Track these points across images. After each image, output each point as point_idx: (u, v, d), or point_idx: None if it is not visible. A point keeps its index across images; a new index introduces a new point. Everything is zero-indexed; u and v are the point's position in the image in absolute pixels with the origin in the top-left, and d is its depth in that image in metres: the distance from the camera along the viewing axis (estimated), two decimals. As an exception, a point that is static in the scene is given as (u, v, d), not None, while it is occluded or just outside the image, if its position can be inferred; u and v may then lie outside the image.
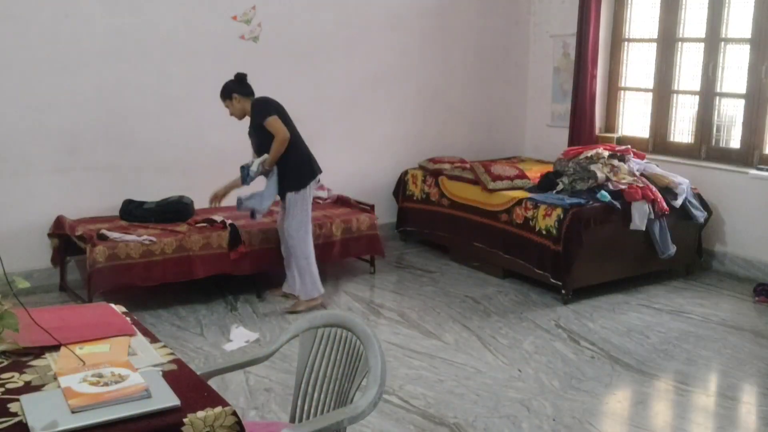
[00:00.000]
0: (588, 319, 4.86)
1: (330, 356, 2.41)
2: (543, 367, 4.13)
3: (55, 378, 1.94)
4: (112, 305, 2.54)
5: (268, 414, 3.53)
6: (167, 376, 1.97)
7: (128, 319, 2.41)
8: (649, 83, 6.51)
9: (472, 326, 4.71)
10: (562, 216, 5.04)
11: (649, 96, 6.52)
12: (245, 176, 4.67)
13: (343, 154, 6.39)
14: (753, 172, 5.65)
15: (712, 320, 4.87)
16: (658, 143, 6.44)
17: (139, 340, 2.25)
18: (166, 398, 1.82)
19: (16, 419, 1.73)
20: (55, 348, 2.13)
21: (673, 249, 5.40)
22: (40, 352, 2.11)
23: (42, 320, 2.17)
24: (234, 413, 1.83)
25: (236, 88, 4.67)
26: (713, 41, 5.96)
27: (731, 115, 5.98)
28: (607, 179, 5.33)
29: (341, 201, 5.99)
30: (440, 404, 3.66)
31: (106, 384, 1.86)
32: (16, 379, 1.94)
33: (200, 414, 1.79)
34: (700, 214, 5.58)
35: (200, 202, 5.22)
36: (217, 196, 4.86)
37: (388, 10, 6.45)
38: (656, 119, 6.46)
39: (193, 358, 4.13)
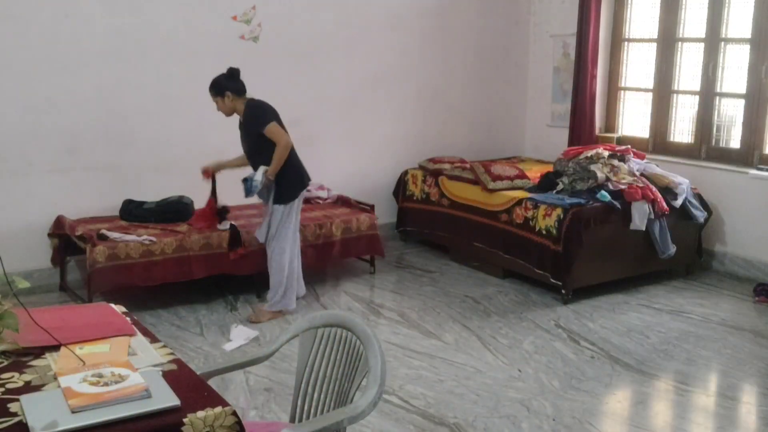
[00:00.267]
0: (588, 319, 4.86)
1: (330, 356, 2.41)
2: (543, 367, 4.13)
3: (55, 378, 1.94)
4: (112, 305, 2.54)
5: (268, 414, 3.53)
6: (167, 376, 1.97)
7: (128, 319, 2.41)
8: (649, 83, 6.51)
9: (472, 326, 4.71)
10: (562, 216, 5.04)
11: (649, 96, 6.52)
12: (249, 188, 4.52)
13: (343, 154, 6.40)
14: (753, 172, 5.65)
15: (712, 320, 4.87)
16: (658, 143, 6.44)
17: (139, 340, 2.25)
18: (166, 398, 1.82)
19: (16, 419, 1.73)
20: (55, 348, 2.13)
21: (673, 249, 5.40)
22: (40, 352, 2.11)
23: (42, 320, 2.17)
24: (234, 413, 1.83)
25: (230, 86, 4.53)
26: (713, 41, 5.96)
27: (731, 115, 5.98)
28: (607, 179, 5.33)
29: (341, 201, 5.99)
30: (440, 404, 3.66)
31: (106, 384, 1.86)
32: (16, 379, 1.94)
33: (200, 414, 1.79)
34: (700, 214, 5.58)
35: (200, 202, 5.22)
36: (208, 171, 4.85)
37: (388, 10, 6.45)
38: (656, 119, 6.46)
39: (193, 358, 4.13)
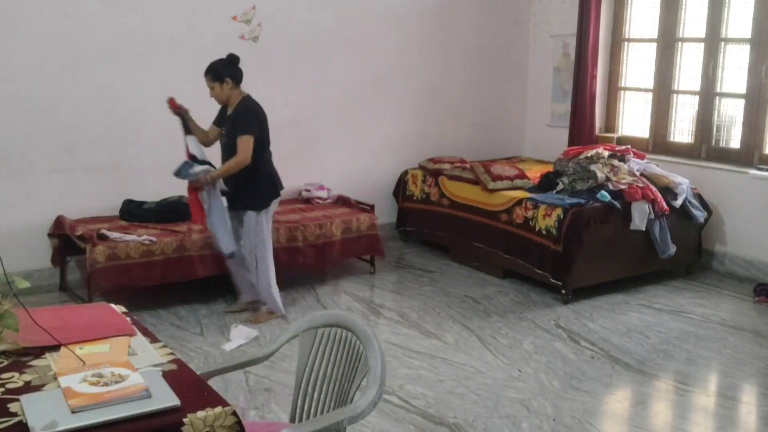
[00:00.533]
0: (588, 319, 4.85)
1: (330, 356, 2.41)
2: (543, 367, 4.13)
3: (55, 378, 1.94)
4: (112, 305, 2.54)
5: (268, 414, 3.53)
6: (167, 376, 1.97)
7: (128, 319, 2.41)
8: (649, 83, 6.51)
9: (472, 326, 4.71)
10: (562, 216, 5.04)
11: (649, 96, 6.52)
12: (185, 170, 4.34)
13: (343, 154, 6.40)
14: (753, 172, 5.65)
15: (712, 320, 4.87)
16: (658, 143, 6.43)
17: (139, 340, 2.25)
18: (166, 398, 1.82)
19: (16, 419, 1.73)
20: (55, 348, 2.13)
21: (673, 249, 5.40)
22: (40, 352, 2.11)
23: (42, 320, 2.17)
24: (234, 413, 1.83)
25: (230, 72, 4.42)
26: (713, 41, 5.96)
27: (731, 115, 5.98)
28: (607, 179, 5.33)
29: (341, 201, 5.99)
30: (440, 404, 3.66)
31: (106, 384, 1.86)
32: (16, 379, 1.94)
33: (200, 414, 1.79)
34: (700, 214, 5.58)
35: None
36: (173, 102, 4.53)
37: (388, 10, 6.45)
38: (656, 119, 6.46)
39: (193, 358, 4.13)
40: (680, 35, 6.26)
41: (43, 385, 1.92)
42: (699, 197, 5.68)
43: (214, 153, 4.66)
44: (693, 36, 6.17)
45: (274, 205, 4.64)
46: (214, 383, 2.20)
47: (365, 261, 5.84)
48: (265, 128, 4.52)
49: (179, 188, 5.39)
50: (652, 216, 5.27)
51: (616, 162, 5.50)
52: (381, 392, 2.18)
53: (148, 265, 4.74)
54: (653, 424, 3.56)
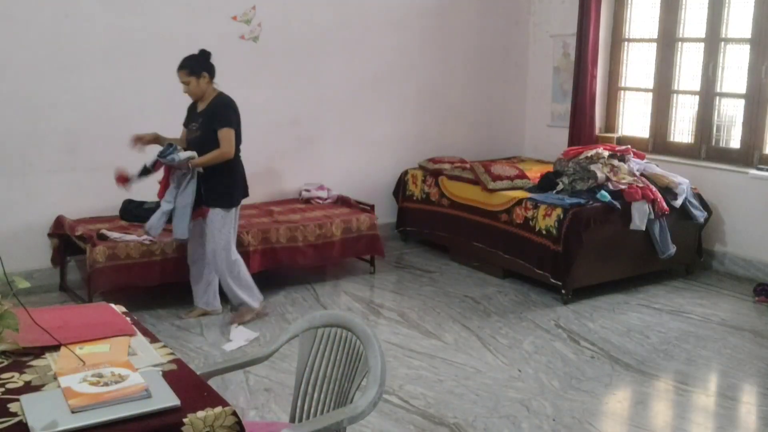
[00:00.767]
0: (588, 319, 4.85)
1: (330, 356, 2.41)
2: (543, 367, 4.12)
3: (55, 378, 1.94)
4: (112, 305, 2.54)
5: (268, 414, 3.53)
6: (167, 376, 1.97)
7: (128, 319, 2.41)
8: (649, 83, 6.51)
9: (472, 326, 4.71)
10: (562, 216, 5.04)
11: (649, 96, 6.52)
12: (169, 154, 4.28)
13: (343, 154, 6.40)
14: (753, 172, 5.65)
15: (712, 320, 4.87)
16: (658, 143, 6.44)
17: (139, 340, 2.25)
18: (166, 398, 1.82)
19: (16, 419, 1.73)
20: (55, 348, 2.13)
21: (673, 249, 5.40)
22: (40, 352, 2.11)
23: (42, 320, 2.17)
24: (234, 413, 1.83)
25: (207, 68, 4.39)
26: (713, 41, 5.96)
27: (731, 115, 5.98)
28: (607, 179, 5.33)
29: (341, 201, 5.99)
30: (440, 404, 3.66)
31: (106, 384, 1.86)
32: (16, 379, 1.94)
33: (200, 414, 1.79)
34: (700, 214, 5.58)
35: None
36: (142, 139, 4.49)
37: (388, 10, 6.45)
38: (656, 119, 6.46)
39: (193, 358, 4.13)
40: (680, 35, 6.26)
41: (43, 385, 1.92)
42: (699, 197, 5.68)
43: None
44: (693, 36, 6.17)
45: (239, 207, 4.59)
46: (214, 383, 2.20)
47: (365, 261, 5.84)
48: (240, 126, 4.49)
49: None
50: (652, 216, 5.27)
51: (616, 162, 5.50)
52: (381, 392, 2.18)
53: (148, 265, 4.74)
54: (653, 424, 3.56)
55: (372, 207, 5.80)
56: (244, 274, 4.66)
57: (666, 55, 6.34)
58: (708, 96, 6.03)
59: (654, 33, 6.43)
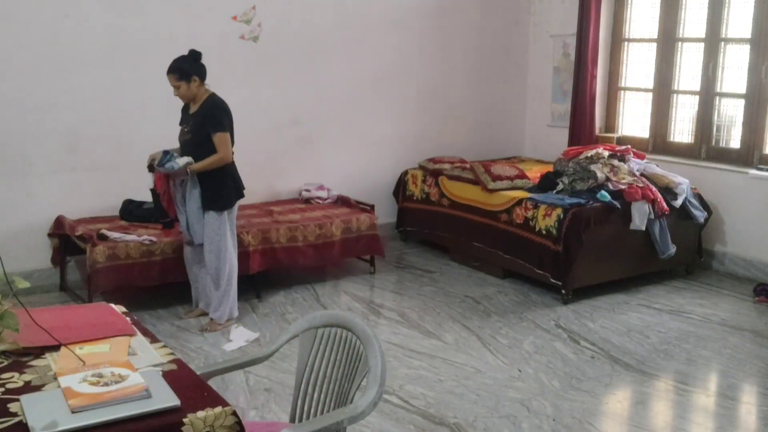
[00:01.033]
0: (588, 319, 4.86)
1: (330, 356, 2.41)
2: (543, 367, 4.12)
3: (55, 378, 1.94)
4: (112, 305, 2.54)
5: (268, 414, 3.53)
6: (167, 376, 1.97)
7: (128, 319, 2.41)
8: (649, 83, 6.51)
9: (472, 326, 4.71)
10: (562, 216, 5.04)
11: (649, 96, 6.52)
12: (167, 161, 4.24)
13: (343, 154, 6.40)
14: (753, 172, 5.65)
15: (712, 320, 4.87)
16: (658, 143, 6.44)
17: (139, 340, 2.25)
18: (166, 398, 1.82)
19: (16, 419, 1.73)
20: (55, 348, 2.13)
21: (673, 249, 5.40)
22: (40, 352, 2.11)
23: (42, 320, 2.17)
24: (234, 413, 1.83)
25: (196, 70, 4.33)
26: (713, 41, 5.96)
27: (731, 115, 5.98)
28: (607, 179, 5.33)
29: (341, 201, 5.99)
30: (440, 404, 3.66)
31: (106, 384, 1.86)
32: (16, 379, 1.94)
33: (200, 414, 1.79)
34: (700, 214, 5.58)
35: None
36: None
37: (388, 10, 6.45)
38: (656, 119, 6.46)
39: (193, 358, 4.13)
40: (680, 35, 6.26)
41: (43, 385, 1.92)
42: (699, 197, 5.68)
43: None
44: (693, 36, 6.17)
45: (236, 207, 4.56)
46: (214, 383, 2.20)
47: (365, 261, 5.84)
48: (233, 128, 4.45)
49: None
50: (652, 216, 5.27)
51: (616, 162, 5.50)
52: (381, 392, 2.18)
53: (148, 265, 4.74)
54: (653, 424, 3.56)
55: (372, 207, 5.80)
56: (233, 286, 4.58)
57: (666, 55, 6.34)
58: (708, 96, 6.03)
59: (654, 33, 6.43)
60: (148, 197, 5.34)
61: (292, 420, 2.48)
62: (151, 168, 4.43)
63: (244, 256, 4.94)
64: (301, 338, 2.49)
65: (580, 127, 6.65)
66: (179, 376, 1.99)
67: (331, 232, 5.41)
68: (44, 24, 4.98)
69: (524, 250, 5.32)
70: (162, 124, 5.49)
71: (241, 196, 4.58)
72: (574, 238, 4.99)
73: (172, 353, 2.15)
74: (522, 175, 5.77)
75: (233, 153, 4.48)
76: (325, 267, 5.80)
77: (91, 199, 5.28)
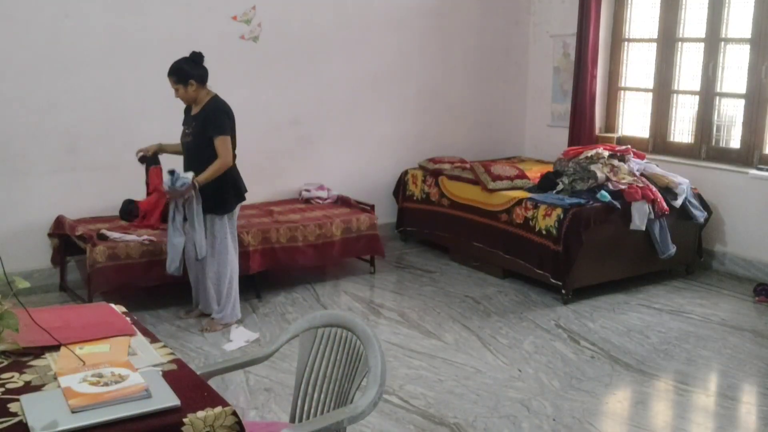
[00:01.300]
0: (588, 319, 4.85)
1: (330, 356, 2.41)
2: (543, 367, 4.12)
3: (55, 378, 1.94)
4: (112, 305, 2.54)
5: (268, 414, 3.53)
6: (167, 376, 1.97)
7: (128, 319, 2.41)
8: (649, 83, 6.51)
9: (472, 326, 4.71)
10: (562, 216, 5.04)
11: (649, 96, 6.52)
12: (174, 182, 4.19)
13: (343, 154, 6.40)
14: (753, 172, 5.65)
15: (712, 320, 4.87)
16: (658, 143, 6.44)
17: (139, 340, 2.25)
18: (166, 398, 1.82)
19: (16, 419, 1.73)
20: (55, 348, 2.13)
21: (673, 249, 5.40)
22: (40, 352, 2.11)
23: (42, 320, 2.17)
24: (234, 413, 1.83)
25: (194, 73, 4.31)
26: (713, 41, 5.96)
27: (731, 115, 5.98)
28: (607, 179, 5.33)
29: (341, 201, 5.99)
30: (440, 404, 3.66)
31: (106, 384, 1.86)
32: (16, 379, 1.94)
33: (200, 414, 1.79)
34: (700, 214, 5.58)
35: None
36: (147, 151, 4.58)
37: (388, 10, 6.45)
38: (656, 119, 6.46)
39: (193, 358, 4.13)
40: (680, 35, 6.25)
41: (43, 385, 1.92)
42: (699, 197, 5.68)
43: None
44: (693, 36, 6.17)
45: (238, 209, 4.55)
46: (214, 383, 2.20)
47: (365, 261, 5.84)
48: (234, 127, 4.43)
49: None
50: (652, 216, 5.27)
51: (616, 162, 5.50)
52: (381, 392, 2.18)
53: (148, 265, 4.74)
54: (653, 424, 3.56)
55: (372, 207, 5.80)
56: (234, 289, 4.57)
57: (666, 55, 6.34)
58: (708, 96, 6.03)
59: (654, 33, 6.43)
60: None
61: (292, 420, 2.48)
62: (142, 160, 4.51)
63: (244, 256, 4.93)
64: (301, 338, 2.49)
65: (580, 127, 6.65)
66: (179, 376, 1.99)
67: (331, 232, 5.41)
68: (44, 24, 4.98)
69: (524, 250, 5.32)
70: (162, 124, 5.49)
71: (242, 199, 4.56)
72: (574, 238, 4.99)
73: (172, 353, 2.15)
74: (522, 175, 5.77)
75: (235, 156, 4.47)
76: (325, 267, 5.80)
77: (91, 199, 5.28)
